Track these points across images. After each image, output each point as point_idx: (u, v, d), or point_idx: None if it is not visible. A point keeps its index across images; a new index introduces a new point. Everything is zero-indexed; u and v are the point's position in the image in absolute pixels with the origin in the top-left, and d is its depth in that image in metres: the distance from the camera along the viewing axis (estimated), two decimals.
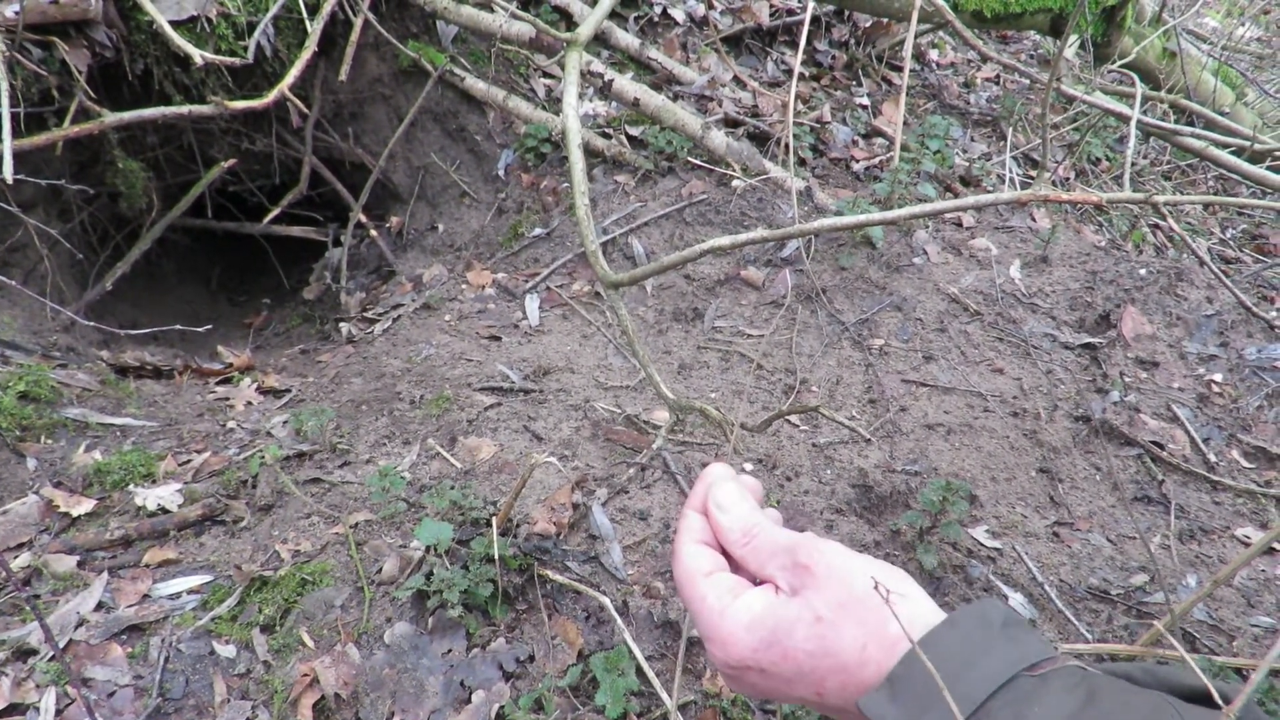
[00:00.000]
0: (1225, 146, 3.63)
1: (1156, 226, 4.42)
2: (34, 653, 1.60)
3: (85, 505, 1.95)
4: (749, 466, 2.22)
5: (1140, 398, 2.61)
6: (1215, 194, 4.88)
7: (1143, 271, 3.03)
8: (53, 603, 1.71)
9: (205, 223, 3.74)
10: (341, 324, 3.25)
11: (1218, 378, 2.68)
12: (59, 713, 1.51)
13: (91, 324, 2.20)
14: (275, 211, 3.48)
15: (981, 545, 2.06)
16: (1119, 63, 3.70)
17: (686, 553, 0.75)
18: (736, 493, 0.76)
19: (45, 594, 1.73)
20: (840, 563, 0.67)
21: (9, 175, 1.93)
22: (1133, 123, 2.70)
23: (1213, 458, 2.44)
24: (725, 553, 0.76)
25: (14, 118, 2.24)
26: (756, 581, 0.74)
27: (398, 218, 3.78)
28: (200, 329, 2.30)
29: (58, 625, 1.65)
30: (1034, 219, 3.57)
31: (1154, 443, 2.46)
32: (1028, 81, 5.05)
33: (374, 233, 3.68)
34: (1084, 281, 3.05)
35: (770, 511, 0.78)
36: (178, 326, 2.19)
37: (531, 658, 1.68)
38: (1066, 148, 4.56)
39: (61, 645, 1.61)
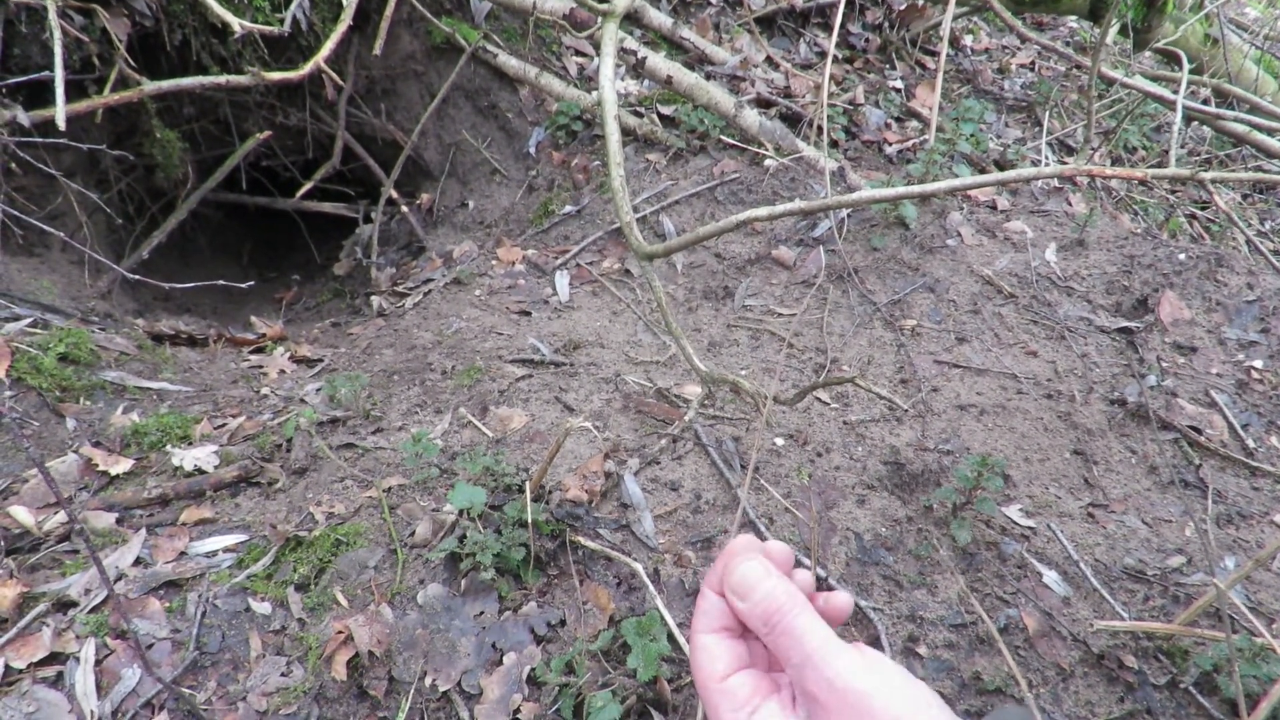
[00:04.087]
0: (1270, 133, 3.56)
1: (1193, 216, 4.36)
2: (74, 604, 1.63)
3: (124, 465, 1.97)
4: (780, 441, 2.21)
5: (1178, 382, 2.58)
6: (1256, 183, 4.80)
7: (1182, 256, 2.98)
8: (97, 553, 1.74)
9: (239, 197, 3.78)
10: (372, 298, 3.27)
11: (1258, 364, 2.63)
12: (99, 663, 1.53)
13: (136, 277, 2.21)
14: (308, 186, 3.50)
15: (1015, 524, 2.04)
16: (1161, 42, 3.64)
17: (700, 645, 0.70)
18: (756, 573, 0.69)
19: (85, 550, 1.76)
20: (856, 698, 0.60)
21: (61, 121, 1.95)
22: (1179, 102, 2.65)
23: (1251, 443, 2.40)
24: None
25: (61, 83, 2.26)
26: (774, 667, 0.71)
27: (428, 194, 3.79)
28: (242, 284, 2.31)
29: (98, 579, 1.67)
30: (1070, 203, 3.53)
31: (1191, 427, 2.42)
32: (1064, 68, 4.99)
33: (405, 209, 3.69)
34: (1121, 266, 3.01)
35: (801, 576, 0.72)
36: (220, 282, 2.20)
37: (563, 622, 1.69)
38: (1103, 134, 4.50)
39: (102, 598, 1.63)
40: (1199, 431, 2.42)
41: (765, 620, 0.67)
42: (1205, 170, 2.13)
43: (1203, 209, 4.43)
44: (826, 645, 0.63)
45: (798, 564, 1.67)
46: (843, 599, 0.73)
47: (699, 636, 0.71)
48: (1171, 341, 2.71)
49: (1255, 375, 2.61)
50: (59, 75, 2.13)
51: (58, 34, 2.10)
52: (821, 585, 1.80)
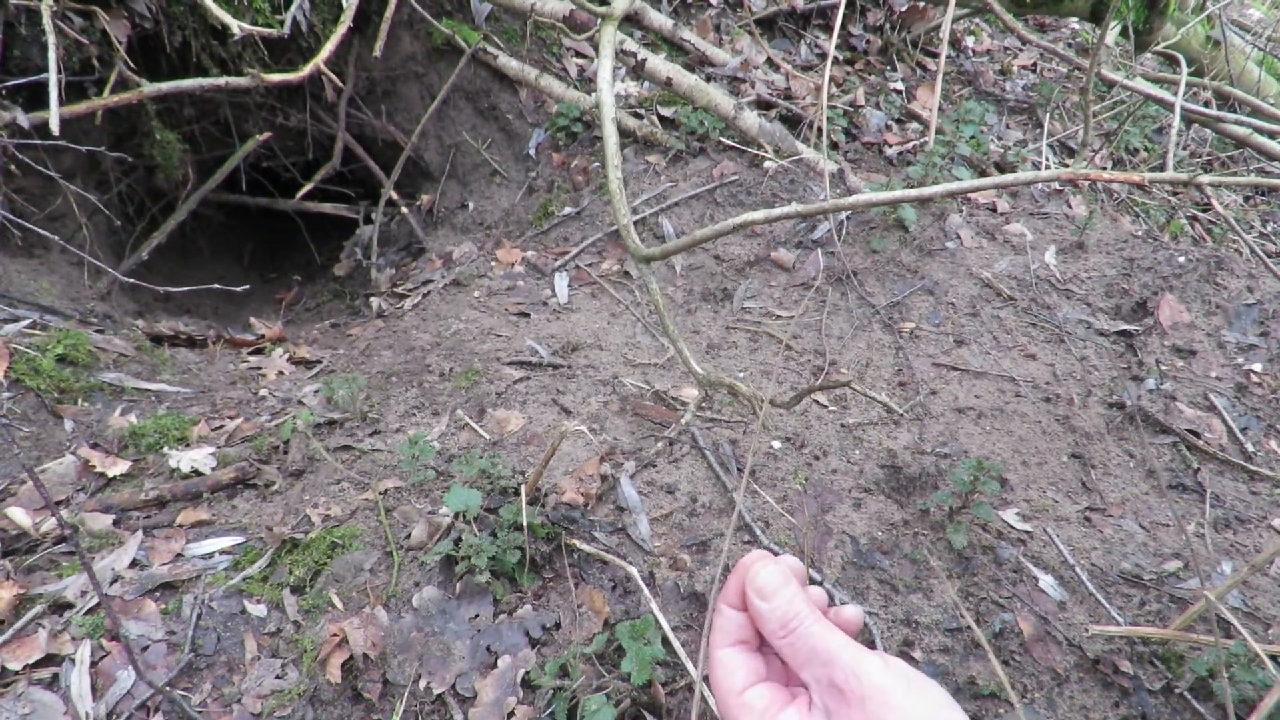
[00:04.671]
0: (1272, 135, 3.56)
1: (1195, 218, 4.35)
2: (70, 606, 1.63)
3: (121, 466, 1.98)
4: (777, 444, 2.21)
5: (1177, 386, 2.57)
6: (1257, 188, 4.79)
7: (1181, 259, 2.98)
8: (89, 559, 1.74)
9: (239, 198, 3.78)
10: (372, 299, 3.27)
11: (1257, 367, 2.63)
12: (94, 664, 1.54)
13: (131, 280, 2.22)
14: (308, 187, 3.51)
15: (1012, 527, 2.03)
16: (1162, 44, 3.63)
17: (719, 660, 0.73)
18: (779, 578, 0.71)
19: (83, 551, 1.76)
20: (878, 694, 0.63)
21: (55, 125, 1.95)
22: (1177, 105, 2.65)
23: (1250, 447, 2.40)
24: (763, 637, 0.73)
25: (55, 85, 2.27)
26: (790, 680, 0.73)
27: (429, 195, 3.79)
28: (238, 288, 2.31)
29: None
30: (1070, 205, 3.52)
31: (1190, 431, 2.42)
32: (1065, 70, 4.98)
33: (405, 210, 3.70)
34: (1121, 268, 3.01)
35: (814, 591, 0.74)
36: (215, 285, 2.20)
37: (558, 625, 1.69)
38: (1104, 136, 4.49)
39: (97, 600, 1.63)
40: (1198, 435, 2.41)
41: (784, 623, 0.70)
42: (1204, 174, 2.13)
43: (1204, 211, 4.42)
44: (849, 645, 0.67)
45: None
46: (853, 612, 0.76)
47: (717, 651, 0.74)
48: (1171, 345, 2.71)
49: (1255, 379, 2.60)
50: (53, 78, 2.14)
51: (52, 37, 2.11)
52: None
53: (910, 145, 3.78)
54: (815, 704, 0.67)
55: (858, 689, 0.63)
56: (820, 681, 0.67)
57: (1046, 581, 1.89)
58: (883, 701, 0.62)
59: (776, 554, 0.80)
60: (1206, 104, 4.21)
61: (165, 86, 2.68)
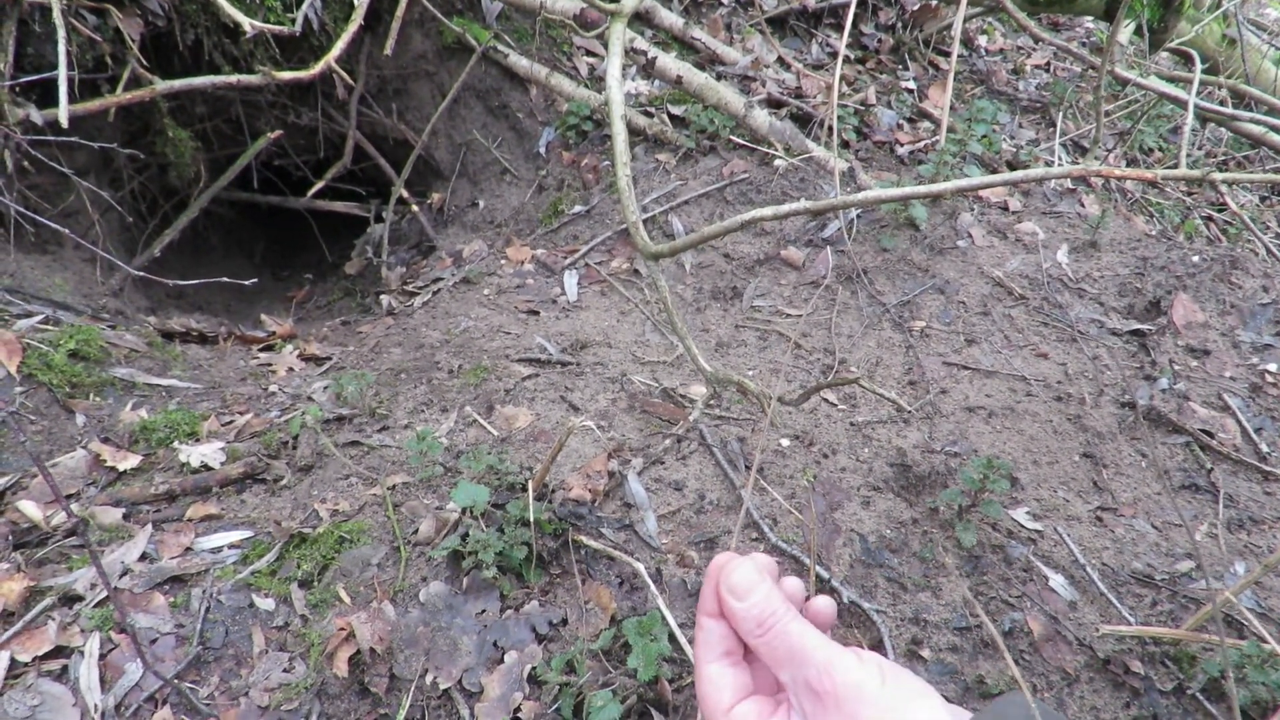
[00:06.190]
0: None
1: (1210, 218, 4.31)
2: (79, 599, 1.64)
3: (131, 460, 1.99)
4: (785, 442, 2.21)
5: (1190, 386, 2.55)
6: (1273, 187, 4.75)
7: (1195, 258, 2.95)
8: (99, 553, 1.75)
9: (250, 196, 3.80)
10: (382, 297, 3.28)
11: (1272, 367, 2.60)
12: (103, 657, 1.54)
13: (142, 274, 2.24)
14: (319, 185, 3.52)
15: (1022, 526, 2.02)
16: (1177, 42, 3.60)
17: (707, 677, 0.71)
18: (753, 576, 0.70)
19: (92, 544, 1.77)
20: (852, 691, 0.62)
21: (64, 119, 1.97)
22: (1190, 102, 2.62)
23: (1265, 448, 2.37)
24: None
25: (69, 83, 2.29)
26: (777, 690, 0.72)
27: (439, 194, 3.80)
28: (246, 282, 2.33)
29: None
30: (1083, 204, 3.50)
31: (1203, 431, 2.40)
32: (1079, 69, 4.95)
33: (415, 208, 3.70)
34: (1134, 268, 2.98)
35: (789, 582, 0.73)
36: (224, 279, 2.21)
37: (564, 621, 1.69)
38: (1118, 135, 4.46)
39: (106, 593, 1.64)
40: (1211, 435, 2.39)
41: (760, 622, 0.68)
42: (1218, 172, 2.11)
43: (1220, 211, 4.38)
44: (824, 644, 0.66)
45: (802, 568, 1.66)
46: (824, 603, 0.75)
47: (704, 667, 0.72)
48: (1184, 344, 2.68)
49: (1269, 379, 2.58)
50: (62, 73, 2.15)
51: (62, 31, 2.13)
52: (824, 587, 1.79)
53: (922, 144, 3.76)
54: (793, 707, 0.66)
55: (831, 688, 0.62)
56: (796, 682, 0.65)
57: (1057, 581, 1.88)
58: (858, 698, 0.61)
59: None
60: (1222, 103, 4.18)
61: (177, 84, 2.69)
